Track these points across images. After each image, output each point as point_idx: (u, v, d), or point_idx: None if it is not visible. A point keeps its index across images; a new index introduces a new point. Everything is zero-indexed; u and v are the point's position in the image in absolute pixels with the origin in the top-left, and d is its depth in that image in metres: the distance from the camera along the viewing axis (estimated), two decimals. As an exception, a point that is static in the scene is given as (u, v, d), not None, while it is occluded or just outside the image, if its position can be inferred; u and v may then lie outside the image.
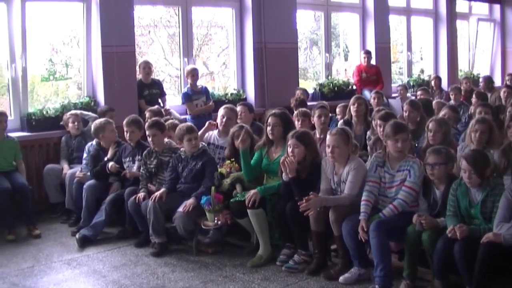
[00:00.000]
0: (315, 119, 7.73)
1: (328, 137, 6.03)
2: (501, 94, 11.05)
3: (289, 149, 6.17)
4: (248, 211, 6.31)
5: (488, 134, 6.25)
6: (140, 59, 10.11)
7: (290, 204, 6.06)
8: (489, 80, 13.18)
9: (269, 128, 6.69)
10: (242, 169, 6.80)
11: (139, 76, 9.72)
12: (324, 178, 6.11)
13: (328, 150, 5.97)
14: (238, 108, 8.23)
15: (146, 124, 7.38)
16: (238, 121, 7.92)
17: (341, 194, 5.95)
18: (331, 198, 5.95)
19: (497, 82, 15.84)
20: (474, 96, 10.42)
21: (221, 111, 7.97)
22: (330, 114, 8.17)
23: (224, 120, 7.86)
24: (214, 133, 7.95)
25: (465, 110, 10.16)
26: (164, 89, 10.09)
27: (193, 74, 9.95)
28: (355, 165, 5.91)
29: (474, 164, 5.20)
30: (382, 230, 5.44)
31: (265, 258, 6.36)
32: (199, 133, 7.46)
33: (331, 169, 6.07)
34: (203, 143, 7.42)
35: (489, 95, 11.55)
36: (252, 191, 6.37)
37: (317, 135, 7.57)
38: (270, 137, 6.70)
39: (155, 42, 11.82)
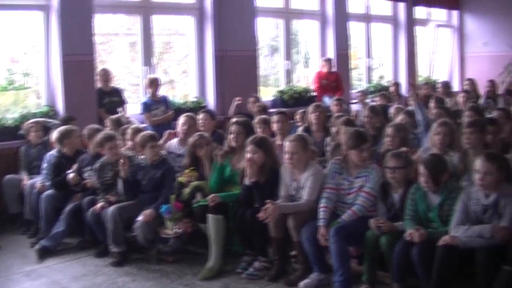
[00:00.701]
0: (274, 125, 7.77)
1: (286, 143, 6.07)
2: (459, 99, 11.20)
3: (248, 155, 6.18)
4: (209, 216, 6.28)
5: (450, 136, 6.35)
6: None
7: (250, 211, 6.05)
8: (447, 85, 13.33)
9: (232, 136, 6.71)
10: (212, 181, 6.73)
11: (99, 84, 9.66)
12: (283, 184, 6.13)
13: (286, 156, 6.00)
14: (200, 116, 8.21)
15: (104, 136, 7.29)
16: (201, 128, 7.91)
17: (300, 200, 5.97)
18: (289, 205, 5.95)
19: (456, 87, 16.11)
20: (433, 101, 10.52)
21: (182, 119, 7.94)
22: (290, 121, 8.19)
23: (184, 128, 7.82)
24: (174, 142, 7.91)
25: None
26: (125, 98, 10.03)
27: (156, 83, 9.88)
28: (314, 171, 5.95)
29: (430, 169, 5.29)
30: (341, 235, 5.47)
31: (217, 269, 6.27)
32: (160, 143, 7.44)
33: (290, 176, 6.09)
34: (164, 152, 7.40)
35: (447, 100, 11.71)
36: (212, 195, 6.37)
37: (278, 142, 7.55)
38: (234, 145, 6.71)
39: (116, 51, 11.75)
